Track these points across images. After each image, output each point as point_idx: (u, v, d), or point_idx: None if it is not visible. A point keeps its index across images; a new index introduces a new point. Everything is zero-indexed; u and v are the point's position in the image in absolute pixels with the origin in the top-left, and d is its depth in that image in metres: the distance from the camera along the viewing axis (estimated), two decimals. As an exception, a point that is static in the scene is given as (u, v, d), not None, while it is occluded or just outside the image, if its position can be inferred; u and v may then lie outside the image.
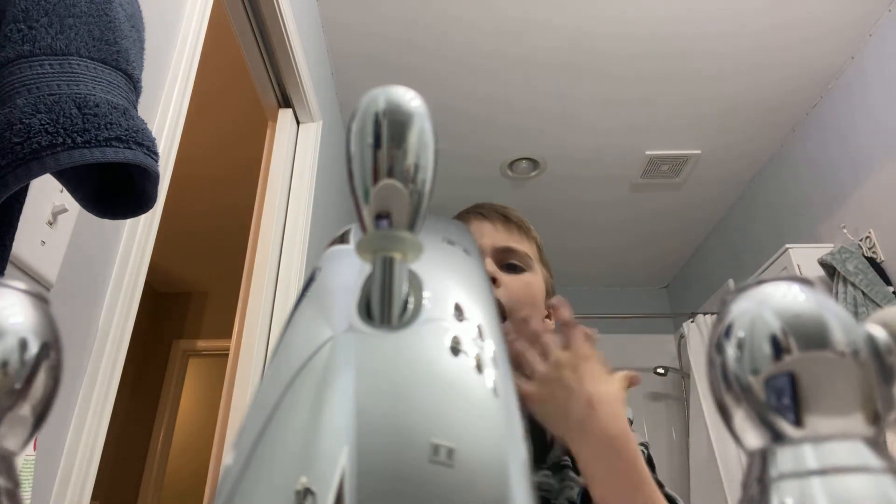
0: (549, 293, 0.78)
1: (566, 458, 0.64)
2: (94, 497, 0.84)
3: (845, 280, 2.04)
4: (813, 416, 0.18)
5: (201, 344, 4.10)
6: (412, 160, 0.19)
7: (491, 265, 0.72)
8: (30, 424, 0.19)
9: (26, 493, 0.65)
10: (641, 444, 0.64)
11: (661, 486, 0.55)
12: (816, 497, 0.17)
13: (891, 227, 2.08)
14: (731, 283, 3.14)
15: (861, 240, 2.18)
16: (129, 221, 0.93)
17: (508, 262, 0.74)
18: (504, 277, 0.72)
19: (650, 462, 0.64)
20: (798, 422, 0.18)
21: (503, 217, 0.78)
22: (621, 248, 3.58)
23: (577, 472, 0.63)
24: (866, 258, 2.08)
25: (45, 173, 0.48)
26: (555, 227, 3.32)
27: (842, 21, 2.13)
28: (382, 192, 0.19)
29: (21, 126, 0.46)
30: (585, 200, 3.14)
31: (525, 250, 0.76)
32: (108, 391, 0.85)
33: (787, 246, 2.32)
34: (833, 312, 0.19)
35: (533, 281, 0.75)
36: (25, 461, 0.65)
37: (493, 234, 0.75)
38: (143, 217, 0.94)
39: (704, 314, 3.08)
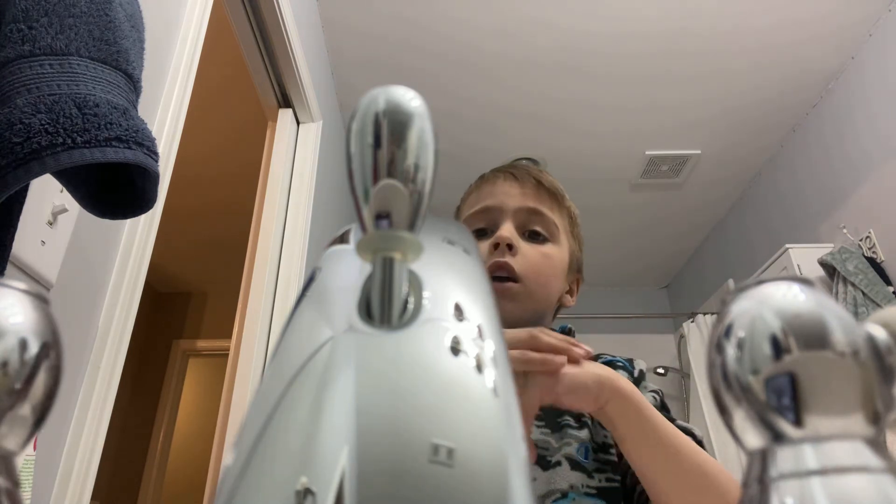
0: (575, 268, 0.74)
1: (567, 417, 0.63)
2: (93, 497, 0.84)
3: (845, 280, 2.04)
4: (813, 416, 0.18)
5: (201, 344, 4.10)
6: (412, 160, 0.19)
7: (510, 230, 0.67)
8: (30, 424, 0.19)
9: (26, 493, 0.65)
10: (653, 392, 0.65)
11: (672, 421, 0.55)
12: (816, 497, 0.17)
13: (891, 227, 2.08)
14: (731, 283, 3.14)
15: (861, 240, 2.18)
16: (129, 221, 0.93)
17: (531, 228, 0.69)
18: (523, 246, 0.67)
19: (664, 406, 0.63)
20: (798, 422, 0.18)
21: (535, 181, 0.72)
22: (621, 247, 3.58)
23: (581, 429, 0.63)
24: (866, 258, 2.08)
25: (45, 173, 0.47)
26: (555, 227, 3.32)
27: (842, 21, 2.13)
28: (382, 192, 0.19)
29: (21, 126, 0.46)
30: (585, 201, 3.14)
31: (553, 219, 0.70)
32: (108, 391, 0.85)
33: (787, 246, 2.32)
34: (833, 312, 0.19)
35: (554, 253, 0.69)
36: (25, 461, 0.65)
37: (519, 197, 0.70)
38: (143, 217, 0.94)
39: (704, 314, 3.08)
